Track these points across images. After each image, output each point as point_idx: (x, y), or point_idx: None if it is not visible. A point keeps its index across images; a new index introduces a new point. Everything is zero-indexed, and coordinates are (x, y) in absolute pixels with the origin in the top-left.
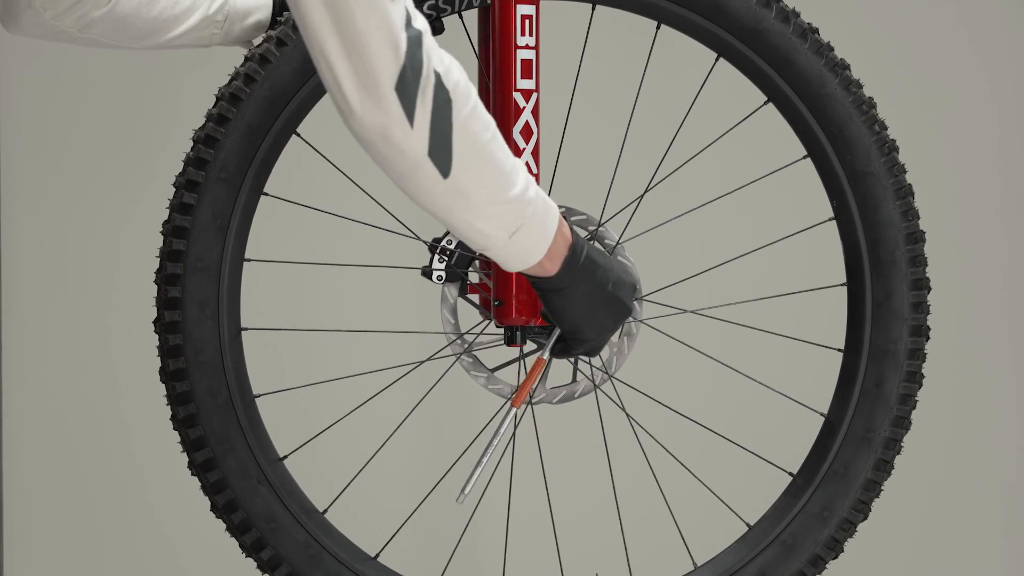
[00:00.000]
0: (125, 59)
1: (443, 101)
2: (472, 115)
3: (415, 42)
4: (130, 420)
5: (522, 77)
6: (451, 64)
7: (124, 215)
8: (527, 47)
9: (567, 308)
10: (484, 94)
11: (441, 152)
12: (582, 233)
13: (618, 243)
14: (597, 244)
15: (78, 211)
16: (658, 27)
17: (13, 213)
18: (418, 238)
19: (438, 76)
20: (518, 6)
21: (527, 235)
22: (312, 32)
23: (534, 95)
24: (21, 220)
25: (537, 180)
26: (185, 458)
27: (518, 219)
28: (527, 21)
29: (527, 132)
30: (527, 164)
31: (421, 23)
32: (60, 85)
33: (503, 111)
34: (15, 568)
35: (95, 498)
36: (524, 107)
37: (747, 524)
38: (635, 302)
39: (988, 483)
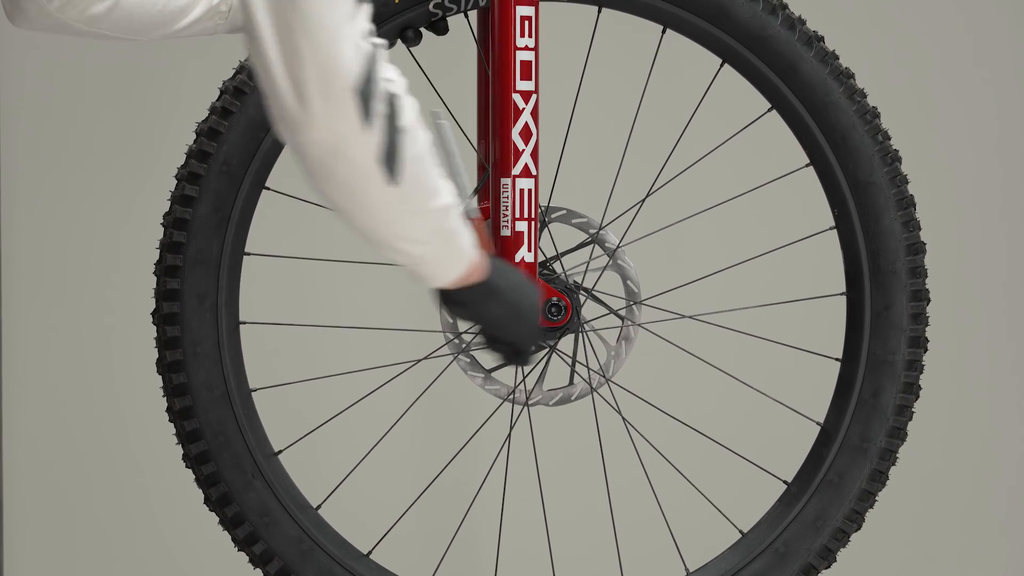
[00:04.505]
0: (126, 51)
1: (394, 108)
2: (417, 121)
3: (374, 50)
4: (130, 420)
5: (521, 78)
6: (396, 74)
7: (124, 214)
8: (526, 48)
9: (495, 307)
10: (484, 95)
11: (391, 158)
12: (582, 236)
13: (618, 246)
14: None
15: (78, 209)
16: (663, 31)
17: (12, 208)
18: None
19: (389, 83)
20: (518, 7)
21: (462, 237)
22: (276, 37)
23: (533, 96)
24: (20, 217)
25: (536, 181)
26: (181, 452)
27: (455, 221)
28: (526, 22)
29: (526, 133)
30: (526, 165)
31: (379, 39)
32: (60, 78)
33: (502, 112)
34: (15, 568)
35: (95, 497)
36: (523, 108)
37: (740, 531)
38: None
39: (988, 484)
